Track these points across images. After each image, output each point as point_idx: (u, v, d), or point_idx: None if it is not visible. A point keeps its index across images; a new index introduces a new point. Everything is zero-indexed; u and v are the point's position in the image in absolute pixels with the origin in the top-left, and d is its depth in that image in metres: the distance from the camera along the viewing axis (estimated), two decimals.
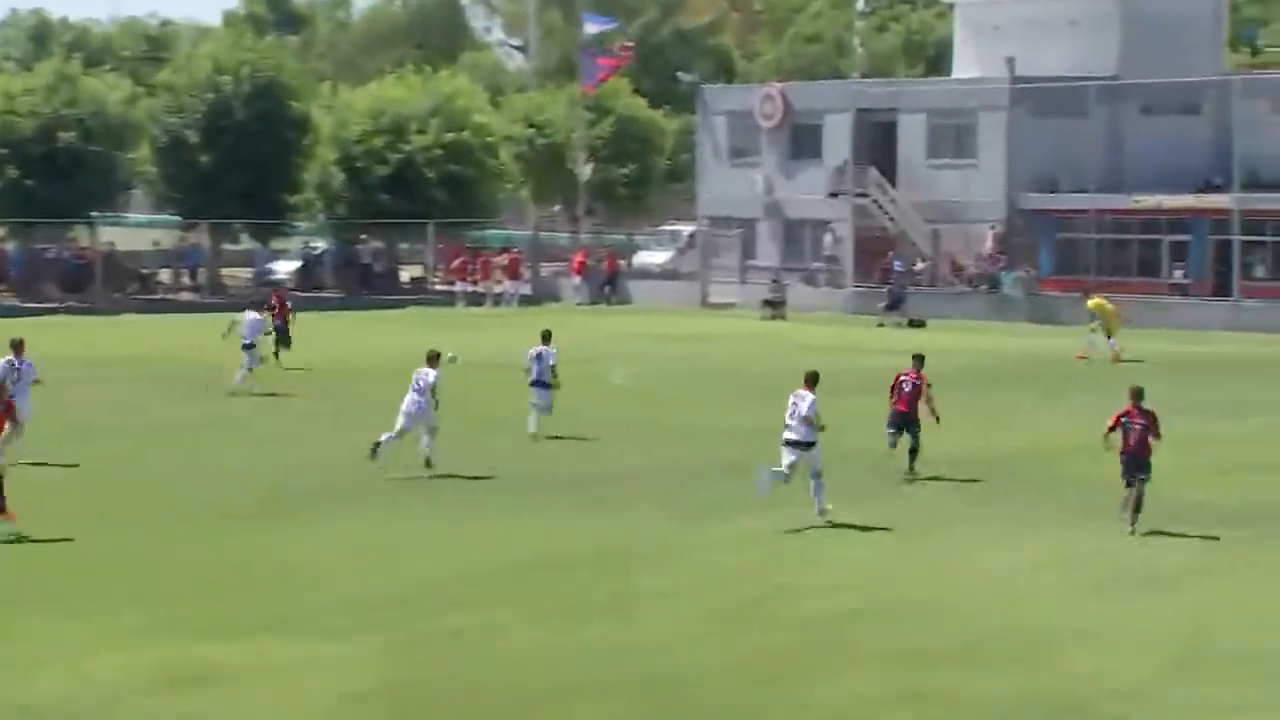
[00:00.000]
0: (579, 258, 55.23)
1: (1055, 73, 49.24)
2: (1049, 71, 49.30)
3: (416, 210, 53.57)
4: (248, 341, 28.28)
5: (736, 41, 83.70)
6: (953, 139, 51.07)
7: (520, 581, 15.39)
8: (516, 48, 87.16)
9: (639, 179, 58.91)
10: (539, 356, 24.40)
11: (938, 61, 69.49)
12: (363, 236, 56.26)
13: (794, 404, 18.21)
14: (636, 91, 60.67)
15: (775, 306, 49.03)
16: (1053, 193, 49.09)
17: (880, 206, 51.80)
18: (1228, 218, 44.69)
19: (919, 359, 21.17)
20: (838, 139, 52.64)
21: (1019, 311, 45.98)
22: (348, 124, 54.85)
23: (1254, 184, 46.76)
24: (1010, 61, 49.59)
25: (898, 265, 49.02)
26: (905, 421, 20.74)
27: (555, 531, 17.70)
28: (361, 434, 24.38)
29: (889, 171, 52.03)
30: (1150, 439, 17.60)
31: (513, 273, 54.23)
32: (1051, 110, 49.15)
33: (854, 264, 51.02)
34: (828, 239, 53.36)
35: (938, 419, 20.48)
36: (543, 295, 54.57)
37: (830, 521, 17.96)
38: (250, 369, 28.29)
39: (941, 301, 47.88)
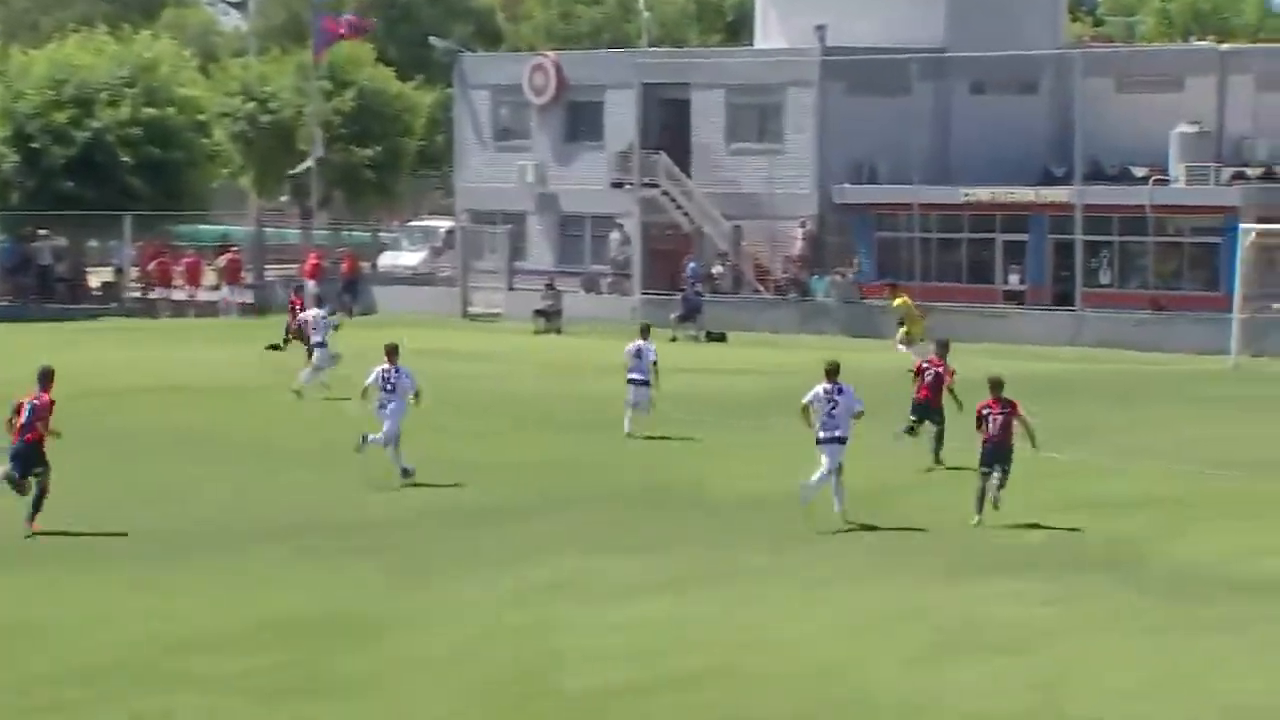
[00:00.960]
0: (312, 259, 54.51)
1: (873, 44, 50.44)
2: (866, 42, 50.50)
3: (109, 201, 52.23)
4: (319, 339, 31.33)
5: (501, 2, 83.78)
6: (756, 120, 51.96)
7: (232, 654, 14.98)
8: (232, 4, 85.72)
9: (385, 164, 58.49)
10: (639, 352, 27.20)
11: (738, 29, 70.71)
12: (41, 232, 54.61)
13: (832, 400, 20.57)
14: (382, 60, 60.22)
15: (549, 317, 49.16)
16: (872, 184, 50.21)
17: (672, 199, 52.35)
18: (1070, 214, 46.19)
19: (943, 345, 25.08)
20: (621, 119, 53.13)
21: (834, 323, 46.83)
22: (21, 95, 53.22)
23: (1097, 175, 48.57)
24: (821, 30, 50.66)
25: (693, 269, 49.56)
26: (927, 410, 24.24)
27: (281, 592, 17.35)
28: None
29: (682, 158, 52.65)
30: (1014, 425, 20.52)
31: (231, 276, 53.24)
32: (869, 88, 50.36)
33: (642, 267, 51.42)
34: (613, 237, 53.69)
35: (960, 406, 23.51)
36: (268, 303, 53.65)
37: (849, 524, 20.44)
38: (320, 369, 31.25)
39: (745, 311, 48.57)
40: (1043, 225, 48.26)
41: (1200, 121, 48.53)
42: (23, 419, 19.71)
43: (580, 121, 55.23)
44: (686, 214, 52.45)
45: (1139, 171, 48.70)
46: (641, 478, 24.16)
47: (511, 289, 52.55)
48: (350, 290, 53.47)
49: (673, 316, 46.75)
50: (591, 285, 53.35)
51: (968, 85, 52.12)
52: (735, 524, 20.88)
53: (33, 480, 19.65)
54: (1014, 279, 48.02)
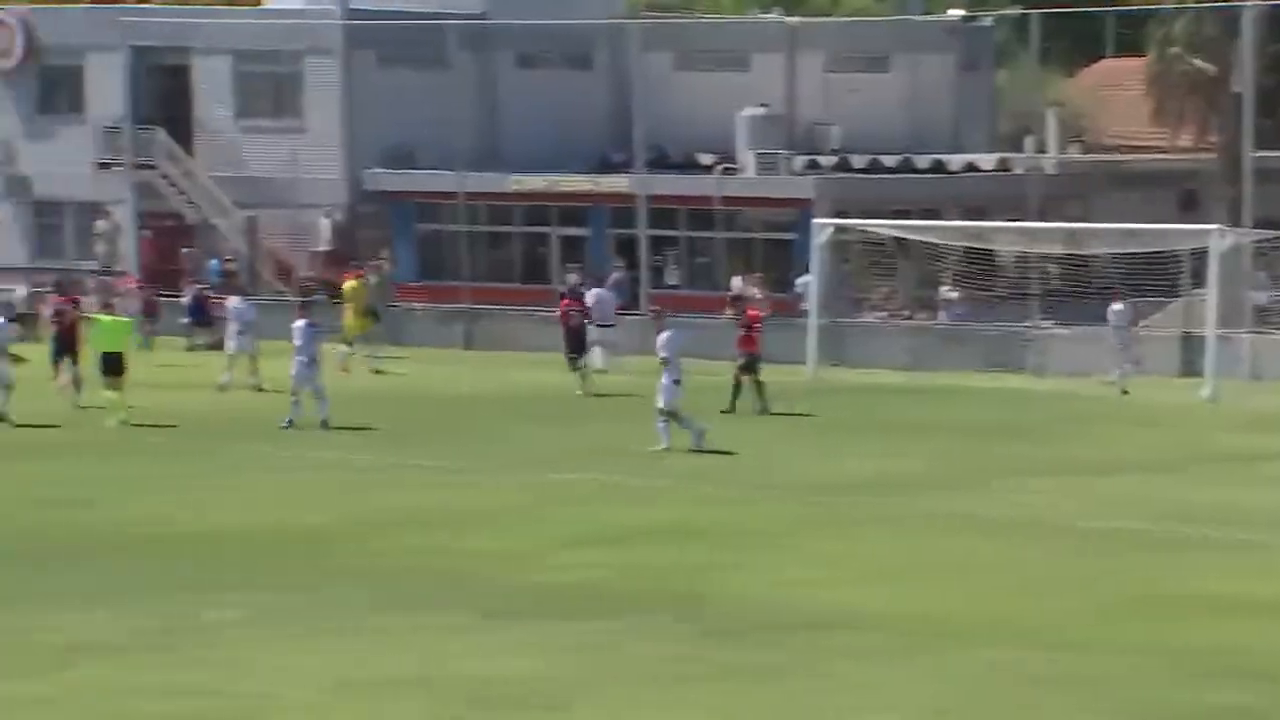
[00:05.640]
0: None
1: (405, 7, 52.27)
2: (396, 5, 52.29)
3: None
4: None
5: None
6: (270, 93, 53.32)
7: None
8: None
9: None
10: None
11: None
12: None
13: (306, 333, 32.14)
14: None
15: (21, 324, 49.21)
16: (410, 170, 52.02)
17: (173, 184, 53.09)
18: (632, 205, 48.97)
19: None
20: (108, 87, 53.61)
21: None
22: None
23: (661, 162, 51.48)
24: None
25: (214, 265, 50.41)
26: None
27: None
28: None
29: (184, 134, 53.46)
30: None
31: None
32: (403, 59, 52.37)
33: (139, 263, 52.00)
34: (99, 227, 54.01)
35: None
36: None
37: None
38: None
39: (266, 316, 49.24)
40: (603, 218, 50.93)
41: (769, 104, 52.00)
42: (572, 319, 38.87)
43: (56, 90, 55.59)
44: (191, 201, 53.31)
45: (706, 159, 51.72)
46: (87, 516, 25.12)
47: None
48: None
49: (184, 322, 47.42)
50: (69, 286, 53.43)
51: (514, 58, 54.50)
52: (195, 570, 21.77)
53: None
54: (572, 279, 50.23)
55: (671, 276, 50.09)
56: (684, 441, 30.36)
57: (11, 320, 37.84)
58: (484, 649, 18.25)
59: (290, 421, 32.64)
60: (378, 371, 41.25)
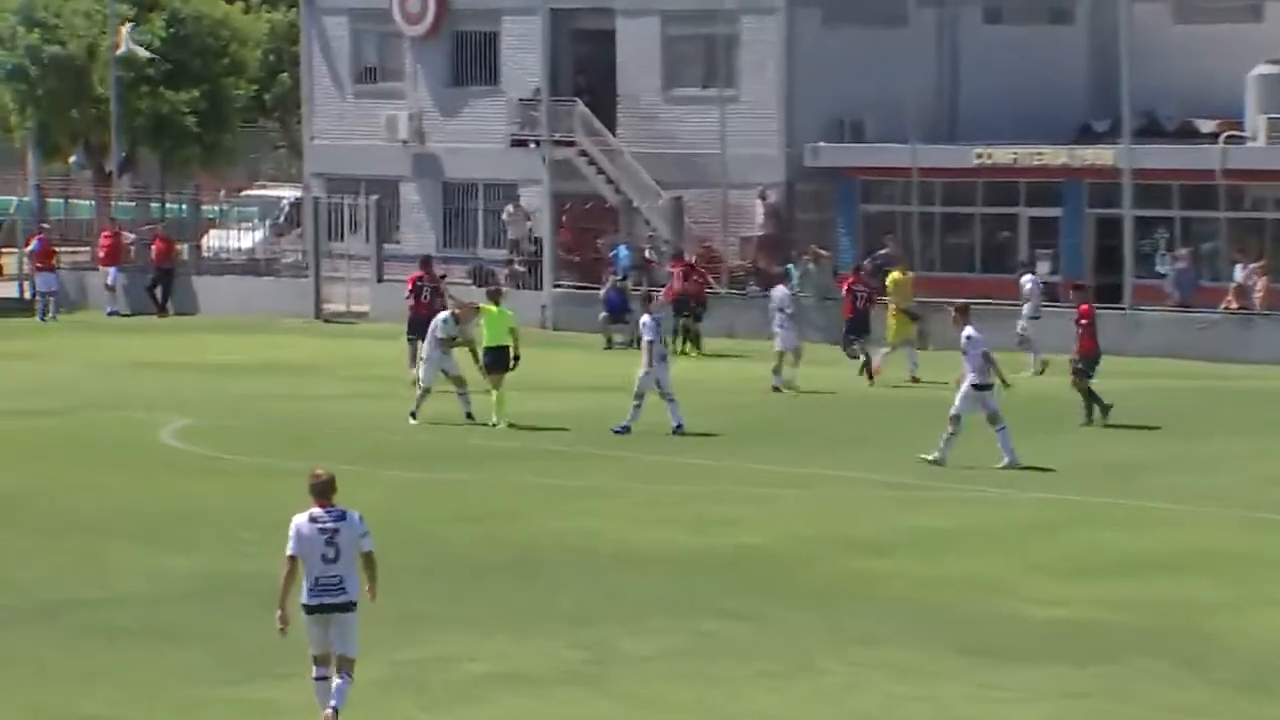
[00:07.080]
0: (106, 238, 54.70)
1: None
2: None
3: None
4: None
5: None
6: (702, 59, 52.97)
7: None
8: None
9: (209, 114, 59.07)
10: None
11: None
12: None
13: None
14: None
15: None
16: (857, 143, 51.23)
17: (593, 162, 53.27)
18: (1116, 182, 47.41)
19: None
20: (524, 57, 53.98)
21: (811, 325, 47.68)
22: None
23: (1152, 130, 49.80)
24: None
25: (624, 255, 50.44)
26: None
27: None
28: None
29: (605, 107, 53.52)
30: None
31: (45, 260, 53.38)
32: (853, 17, 51.49)
33: (554, 252, 52.31)
34: (508, 212, 54.49)
35: None
36: (61, 299, 53.79)
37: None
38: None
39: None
40: (1080, 196, 49.44)
41: None
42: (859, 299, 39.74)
43: (469, 59, 56.06)
44: (611, 181, 53.43)
45: (1206, 126, 49.98)
46: (505, 529, 25.19)
47: (381, 280, 53.25)
48: (162, 282, 53.95)
49: (600, 317, 47.53)
50: (486, 276, 54.06)
51: (981, 13, 53.47)
52: (621, 593, 21.65)
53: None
54: (1043, 267, 48.88)
55: (1162, 264, 48.39)
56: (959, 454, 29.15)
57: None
58: (952, 693, 17.89)
59: (626, 427, 32.20)
60: (914, 380, 39.90)
